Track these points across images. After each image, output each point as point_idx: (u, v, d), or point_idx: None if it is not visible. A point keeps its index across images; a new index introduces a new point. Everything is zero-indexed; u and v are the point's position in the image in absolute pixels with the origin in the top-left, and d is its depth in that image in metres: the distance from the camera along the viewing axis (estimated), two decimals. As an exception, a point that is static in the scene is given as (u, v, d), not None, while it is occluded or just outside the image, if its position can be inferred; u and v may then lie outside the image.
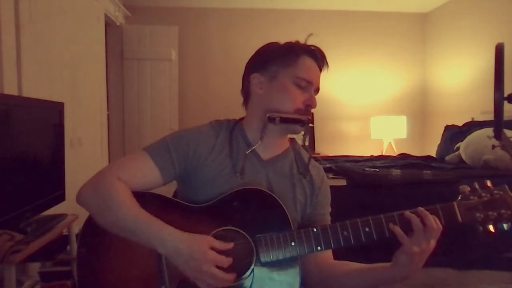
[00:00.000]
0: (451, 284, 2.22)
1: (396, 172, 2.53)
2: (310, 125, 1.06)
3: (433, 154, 3.86)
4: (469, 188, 0.96)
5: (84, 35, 3.39)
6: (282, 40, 1.13)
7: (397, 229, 0.93)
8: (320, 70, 1.11)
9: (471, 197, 0.95)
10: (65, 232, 2.26)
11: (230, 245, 0.94)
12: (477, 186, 0.97)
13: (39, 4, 2.53)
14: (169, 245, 0.91)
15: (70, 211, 2.23)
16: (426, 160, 3.51)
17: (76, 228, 2.34)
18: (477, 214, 0.93)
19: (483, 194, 0.95)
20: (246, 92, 1.13)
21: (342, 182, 2.34)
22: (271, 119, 1.04)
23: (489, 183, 0.97)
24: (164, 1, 4.71)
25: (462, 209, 0.94)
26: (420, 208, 0.95)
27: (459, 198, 0.96)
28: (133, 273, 0.98)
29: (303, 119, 1.05)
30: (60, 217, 2.13)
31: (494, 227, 0.92)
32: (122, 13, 4.57)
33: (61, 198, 2.24)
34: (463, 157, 3.13)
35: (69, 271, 2.18)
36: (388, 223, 0.94)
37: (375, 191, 2.30)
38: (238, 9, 4.91)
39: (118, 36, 4.59)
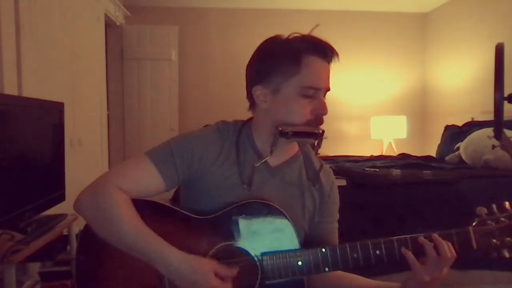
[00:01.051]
0: (451, 284, 2.22)
1: (396, 172, 2.53)
2: (325, 136, 0.99)
3: (433, 154, 3.86)
4: (486, 211, 0.92)
5: (84, 35, 3.38)
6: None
7: (410, 255, 0.90)
8: (329, 64, 1.00)
9: (488, 222, 0.91)
10: (65, 232, 2.26)
11: (234, 271, 0.90)
12: (495, 209, 0.91)
13: (39, 4, 2.53)
14: (170, 266, 0.88)
15: (70, 211, 2.22)
16: (426, 160, 3.50)
17: (76, 228, 2.33)
18: (493, 241, 0.89)
19: (502, 219, 0.90)
20: (251, 100, 1.05)
21: (342, 182, 2.34)
22: (283, 134, 0.96)
23: (507, 205, 0.91)
24: (164, 1, 4.71)
25: (477, 235, 0.90)
26: (435, 235, 0.90)
27: (475, 222, 0.91)
28: (134, 283, 0.95)
29: (317, 132, 0.98)
30: (60, 217, 2.13)
31: (509, 253, 0.89)
32: (122, 13, 4.57)
33: (61, 198, 2.24)
34: (463, 157, 3.13)
35: (69, 271, 2.18)
36: (400, 247, 0.91)
37: (375, 191, 2.30)
38: (238, 9, 4.91)
39: (118, 36, 4.59)
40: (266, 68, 0.99)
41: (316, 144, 1.04)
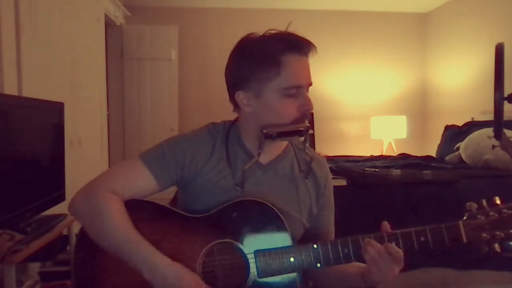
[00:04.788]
0: (451, 284, 2.22)
1: (396, 172, 2.53)
2: (310, 131, 1.00)
3: (433, 154, 3.86)
4: (476, 206, 0.92)
5: (84, 35, 3.38)
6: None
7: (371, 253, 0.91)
8: (308, 56, 0.99)
9: (478, 216, 0.91)
10: (65, 232, 2.26)
11: None
12: (484, 204, 0.92)
13: (39, 4, 2.53)
14: (157, 272, 0.89)
15: (70, 211, 2.22)
16: (426, 160, 3.50)
17: (76, 228, 2.32)
18: (484, 234, 0.89)
19: (491, 213, 0.90)
20: (234, 103, 1.04)
21: (342, 182, 2.34)
22: (268, 136, 0.97)
23: (497, 200, 0.92)
24: (164, 1, 4.71)
25: (467, 229, 0.90)
26: (383, 228, 0.93)
27: (465, 216, 0.92)
28: (129, 281, 0.96)
29: (302, 129, 0.98)
30: (60, 217, 2.13)
31: (500, 247, 0.89)
32: (122, 13, 4.57)
33: (61, 198, 2.23)
34: (463, 157, 3.13)
35: (69, 271, 2.18)
36: (390, 242, 0.92)
37: (375, 191, 2.30)
38: (238, 9, 4.91)
39: (118, 36, 4.59)
40: (245, 74, 0.98)
41: (303, 140, 1.05)
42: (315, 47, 0.98)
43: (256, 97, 0.98)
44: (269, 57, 0.95)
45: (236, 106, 1.04)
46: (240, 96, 1.00)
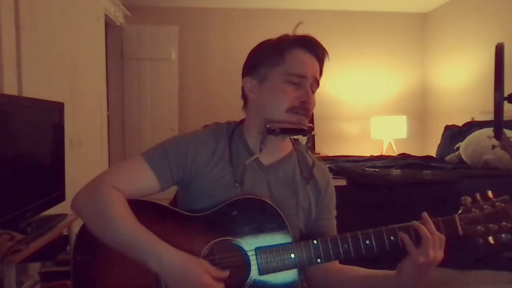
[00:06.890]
0: (451, 284, 2.22)
1: (396, 172, 2.53)
2: (313, 132, 1.00)
3: (433, 154, 3.86)
4: (471, 199, 0.95)
5: (84, 35, 3.39)
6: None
7: (406, 238, 0.91)
8: (319, 60, 1.02)
9: (473, 210, 0.94)
10: (65, 232, 2.26)
11: (226, 273, 0.91)
12: (478, 197, 0.95)
13: (39, 4, 2.53)
14: (164, 262, 0.88)
15: (70, 211, 2.21)
16: (426, 160, 3.50)
17: (76, 228, 2.32)
18: (478, 227, 0.93)
19: (485, 206, 0.94)
20: (243, 96, 1.08)
21: (342, 182, 2.34)
22: (271, 131, 0.98)
23: (490, 194, 0.95)
24: (164, 1, 4.71)
25: (463, 222, 0.93)
26: (424, 214, 0.93)
27: (460, 210, 0.95)
28: (130, 283, 0.96)
29: (305, 128, 0.99)
30: (60, 217, 2.13)
31: (494, 239, 0.92)
32: (122, 13, 4.57)
33: (61, 198, 2.24)
34: (463, 157, 3.13)
35: (69, 271, 2.18)
36: (389, 236, 0.93)
37: (375, 191, 2.30)
38: (238, 9, 4.91)
39: (118, 36, 4.59)
40: (254, 61, 1.04)
41: (306, 141, 1.06)
42: (327, 53, 1.02)
43: (260, 83, 1.02)
44: (277, 46, 1.01)
45: (245, 100, 1.08)
46: (247, 83, 1.04)
